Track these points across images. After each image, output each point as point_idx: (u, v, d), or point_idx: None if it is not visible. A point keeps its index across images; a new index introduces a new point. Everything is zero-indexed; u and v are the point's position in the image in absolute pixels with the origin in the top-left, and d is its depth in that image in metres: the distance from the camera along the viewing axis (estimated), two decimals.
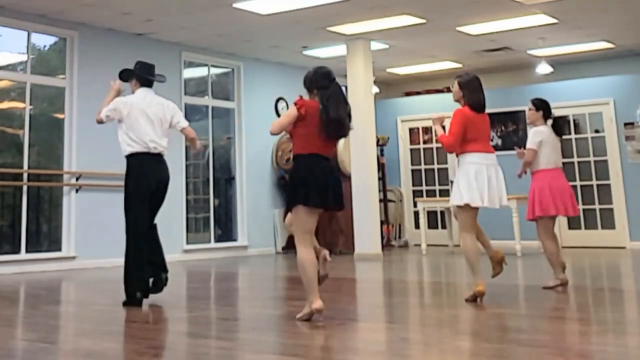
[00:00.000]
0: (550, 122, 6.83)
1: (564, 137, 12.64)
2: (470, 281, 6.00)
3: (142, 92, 6.24)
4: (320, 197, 4.98)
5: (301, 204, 4.98)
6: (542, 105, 6.81)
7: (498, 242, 10.16)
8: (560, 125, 6.88)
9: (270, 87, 12.74)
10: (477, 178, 5.79)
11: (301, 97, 5.14)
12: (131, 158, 6.08)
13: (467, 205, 5.81)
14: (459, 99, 6.06)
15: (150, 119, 6.11)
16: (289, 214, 5.20)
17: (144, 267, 6.00)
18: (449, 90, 13.97)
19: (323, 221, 10.58)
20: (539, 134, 6.66)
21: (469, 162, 5.86)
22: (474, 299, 5.72)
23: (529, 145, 6.67)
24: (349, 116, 5.20)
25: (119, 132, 6.14)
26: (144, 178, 6.04)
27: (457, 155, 6.04)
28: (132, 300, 5.88)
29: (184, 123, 6.36)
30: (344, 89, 5.58)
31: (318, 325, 4.80)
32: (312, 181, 4.97)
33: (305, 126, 5.03)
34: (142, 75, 6.30)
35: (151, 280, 6.10)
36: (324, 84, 5.15)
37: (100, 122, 6.21)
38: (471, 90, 6.01)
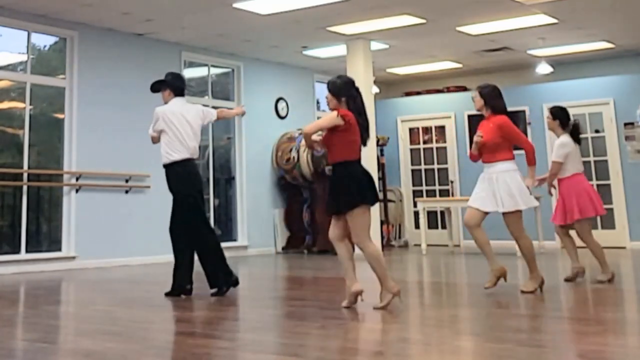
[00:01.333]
0: (569, 129, 7.05)
1: None
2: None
3: (178, 101, 6.57)
4: (374, 195, 5.44)
5: (363, 204, 5.31)
6: (559, 114, 7.08)
7: (499, 242, 10.15)
8: (578, 133, 7.09)
9: (270, 87, 12.74)
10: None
11: (338, 109, 5.44)
12: (178, 165, 6.40)
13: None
14: (481, 107, 6.30)
15: (191, 126, 6.47)
16: (335, 226, 5.45)
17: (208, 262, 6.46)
18: (449, 90, 14.01)
19: (324, 221, 10.57)
20: (565, 147, 6.90)
21: (515, 169, 6.17)
22: (496, 283, 6.14)
23: (555, 157, 6.92)
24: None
25: (164, 141, 6.44)
26: (197, 180, 6.54)
27: (497, 160, 6.19)
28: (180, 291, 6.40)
29: (214, 111, 6.83)
30: None
31: (318, 325, 4.80)
32: (364, 183, 5.39)
33: (348, 134, 5.39)
34: (176, 85, 6.62)
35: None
36: (353, 94, 5.53)
37: (154, 141, 6.57)
38: (499, 98, 6.28)
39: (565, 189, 6.91)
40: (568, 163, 6.87)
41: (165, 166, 6.46)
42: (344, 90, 5.51)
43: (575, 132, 7.01)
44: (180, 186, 6.42)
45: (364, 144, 5.61)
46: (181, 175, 6.41)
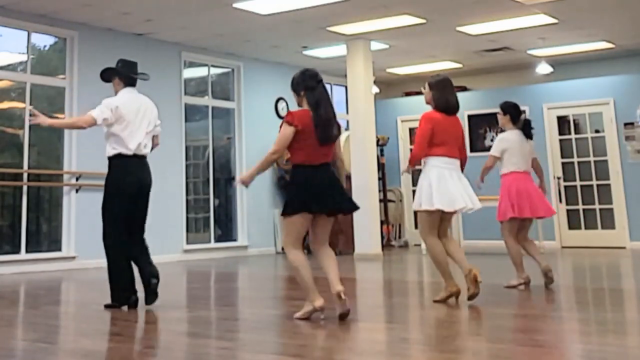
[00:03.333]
0: (519, 124, 6.80)
1: (565, 136, 12.78)
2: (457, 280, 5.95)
3: (128, 91, 5.98)
4: (321, 203, 5.00)
5: (303, 212, 4.99)
6: (509, 110, 6.82)
7: (495, 243, 10.16)
8: (528, 128, 6.81)
9: (270, 87, 12.73)
10: (440, 181, 5.68)
11: (289, 111, 5.09)
12: (118, 159, 5.81)
13: (432, 210, 5.70)
14: (430, 100, 5.91)
15: (140, 120, 5.87)
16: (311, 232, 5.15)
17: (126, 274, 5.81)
18: None
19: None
20: (503, 142, 6.69)
21: (432, 165, 5.73)
22: (447, 299, 5.69)
23: (491, 152, 6.74)
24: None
25: (109, 133, 5.83)
26: (130, 181, 5.80)
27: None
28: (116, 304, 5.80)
29: (159, 129, 6.15)
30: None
31: (318, 325, 4.80)
32: (312, 190, 4.97)
33: (303, 137, 4.98)
34: (126, 74, 6.02)
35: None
36: (311, 85, 5.10)
37: (91, 125, 5.84)
38: (440, 92, 5.86)
39: (502, 185, 6.67)
40: (507, 159, 6.64)
41: (109, 158, 5.88)
42: (300, 85, 5.12)
43: (526, 128, 6.76)
44: (109, 182, 5.87)
45: (323, 141, 5.02)
46: (115, 172, 5.84)
